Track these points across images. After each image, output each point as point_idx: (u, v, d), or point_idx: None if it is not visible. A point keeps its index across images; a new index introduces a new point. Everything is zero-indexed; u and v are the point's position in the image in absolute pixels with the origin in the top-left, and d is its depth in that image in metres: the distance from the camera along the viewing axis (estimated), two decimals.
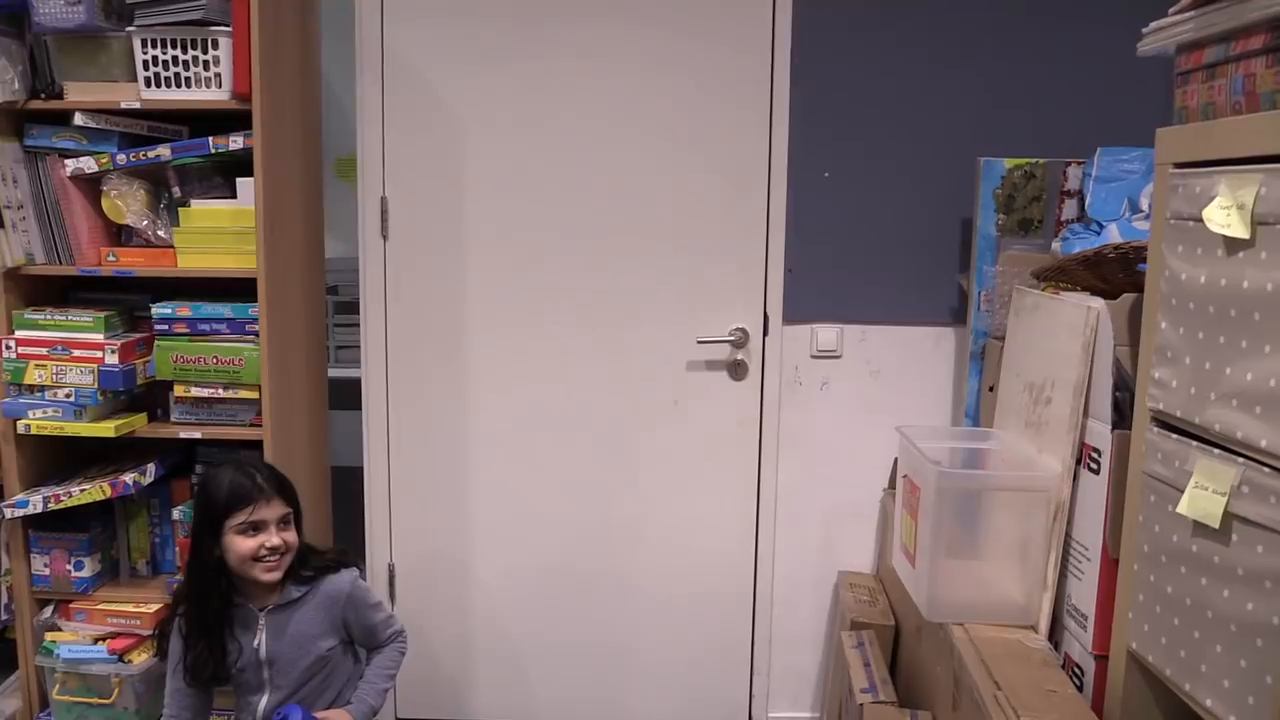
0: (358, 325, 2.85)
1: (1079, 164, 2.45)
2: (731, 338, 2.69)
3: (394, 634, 2.16)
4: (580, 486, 2.79)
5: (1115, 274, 2.01)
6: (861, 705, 2.11)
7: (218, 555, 1.94)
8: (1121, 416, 1.76)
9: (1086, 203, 2.40)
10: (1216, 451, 1.38)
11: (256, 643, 2.00)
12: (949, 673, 1.94)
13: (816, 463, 2.77)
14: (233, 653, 2.00)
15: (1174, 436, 1.51)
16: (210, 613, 1.97)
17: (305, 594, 2.03)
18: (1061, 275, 2.15)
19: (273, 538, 1.94)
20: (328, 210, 2.79)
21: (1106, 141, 2.38)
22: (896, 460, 2.47)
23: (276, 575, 1.97)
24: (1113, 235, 2.26)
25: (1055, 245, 2.41)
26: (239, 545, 1.93)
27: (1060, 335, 1.97)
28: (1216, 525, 1.35)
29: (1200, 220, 1.41)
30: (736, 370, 2.71)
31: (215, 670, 1.99)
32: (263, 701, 2.02)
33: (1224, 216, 1.36)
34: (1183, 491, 1.44)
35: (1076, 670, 1.83)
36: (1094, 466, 1.81)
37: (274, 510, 1.95)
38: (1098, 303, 1.86)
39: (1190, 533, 1.44)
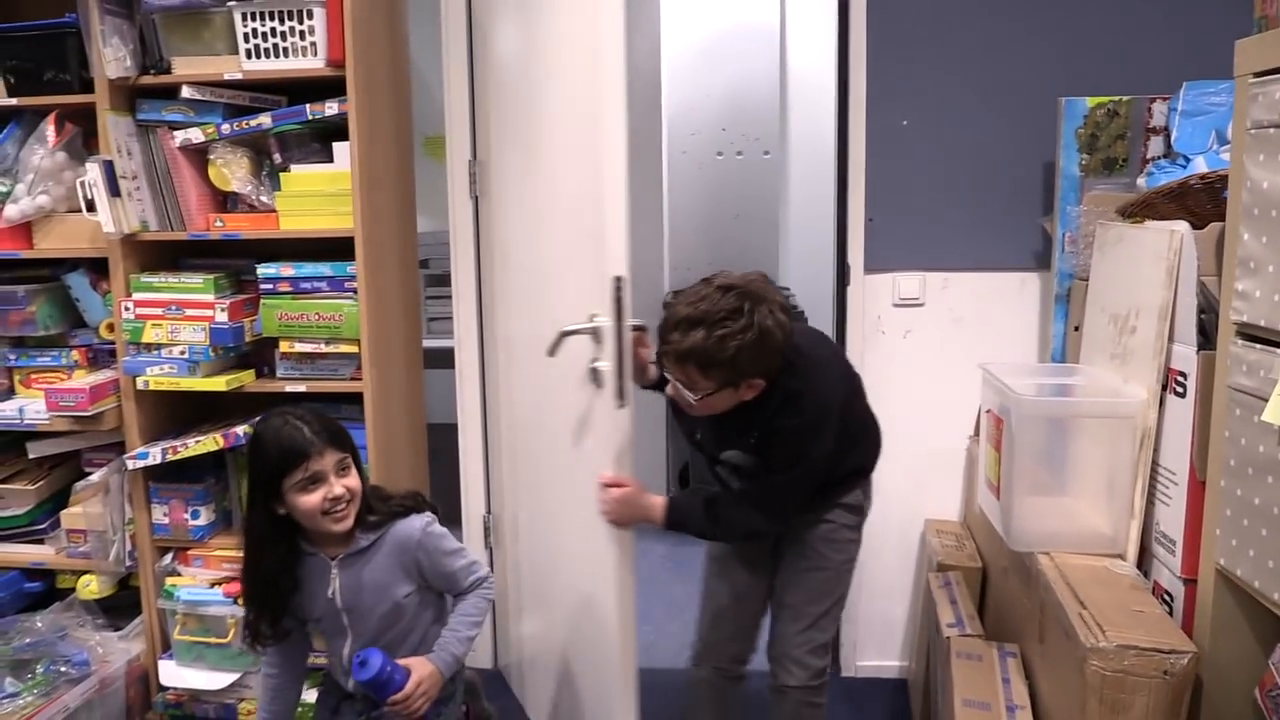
0: (449, 298, 2.95)
1: (1164, 100, 2.42)
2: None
3: (477, 580, 2.05)
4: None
5: (1202, 205, 1.98)
6: (948, 639, 2.13)
7: (282, 513, 1.88)
8: (1207, 338, 1.75)
9: (1172, 138, 2.36)
10: None
11: (331, 591, 1.95)
12: (1035, 603, 1.95)
13: (901, 412, 2.75)
14: (298, 606, 1.98)
15: (1258, 347, 1.50)
16: (266, 571, 1.93)
17: (375, 540, 1.96)
18: (1147, 210, 2.13)
19: (334, 488, 1.86)
20: (419, 188, 2.87)
21: (1191, 76, 2.35)
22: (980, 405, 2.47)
23: (347, 524, 1.90)
24: (1199, 168, 2.23)
25: (1140, 182, 2.38)
26: (303, 502, 1.85)
27: (1144, 263, 1.96)
28: None
29: None
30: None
31: (274, 628, 1.97)
32: (346, 647, 1.99)
33: None
34: (1267, 400, 1.44)
35: (1166, 596, 1.82)
36: (1180, 390, 1.80)
37: (329, 459, 1.86)
38: (1181, 226, 1.85)
39: (1277, 441, 1.44)
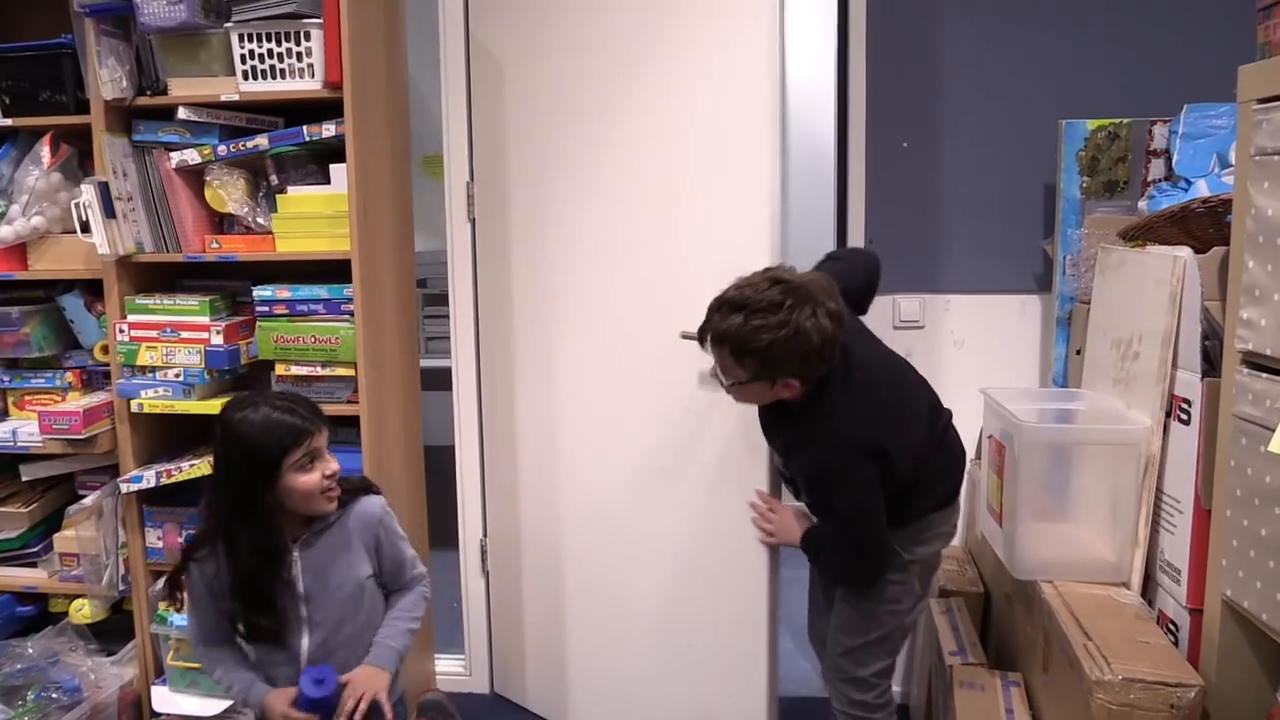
0: (447, 317, 2.93)
1: (1164, 122, 2.41)
2: None
3: (419, 575, 2.05)
4: (666, 469, 2.80)
5: (1204, 229, 1.97)
6: (951, 667, 2.10)
7: (269, 500, 1.81)
8: (1211, 365, 1.74)
9: (1174, 160, 2.35)
10: None
11: (292, 576, 1.88)
12: (1039, 631, 1.93)
13: None
14: (281, 596, 1.88)
15: (1264, 376, 1.48)
16: (253, 563, 1.83)
17: (335, 520, 1.92)
18: (1148, 234, 2.11)
19: (331, 463, 1.87)
20: (416, 206, 2.87)
21: (1191, 99, 2.34)
22: (982, 430, 2.45)
23: (334, 505, 1.90)
24: (1201, 191, 2.22)
25: (1142, 205, 2.37)
26: (302, 482, 1.82)
27: (1147, 288, 1.94)
28: None
29: None
30: None
31: (270, 621, 1.87)
32: (304, 643, 1.91)
33: None
34: (1273, 430, 1.42)
35: (1171, 626, 1.80)
36: (1184, 417, 1.79)
37: (323, 437, 1.86)
38: (1184, 252, 1.83)
39: None
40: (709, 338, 1.88)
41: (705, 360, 2.60)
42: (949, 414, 2.13)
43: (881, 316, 2.72)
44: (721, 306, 1.85)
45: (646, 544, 2.79)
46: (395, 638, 1.97)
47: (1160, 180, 2.42)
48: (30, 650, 2.45)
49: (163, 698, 2.54)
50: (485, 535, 2.96)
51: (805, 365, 1.84)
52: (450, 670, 3.08)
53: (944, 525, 2.09)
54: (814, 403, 1.91)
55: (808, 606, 2.43)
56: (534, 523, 2.89)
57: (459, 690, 3.02)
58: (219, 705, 2.50)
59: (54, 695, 2.37)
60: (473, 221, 2.84)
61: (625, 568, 2.82)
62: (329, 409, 2.42)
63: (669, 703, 2.72)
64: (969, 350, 2.71)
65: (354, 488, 1.98)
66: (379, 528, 1.97)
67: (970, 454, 2.70)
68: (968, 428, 2.64)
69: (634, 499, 2.78)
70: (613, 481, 2.77)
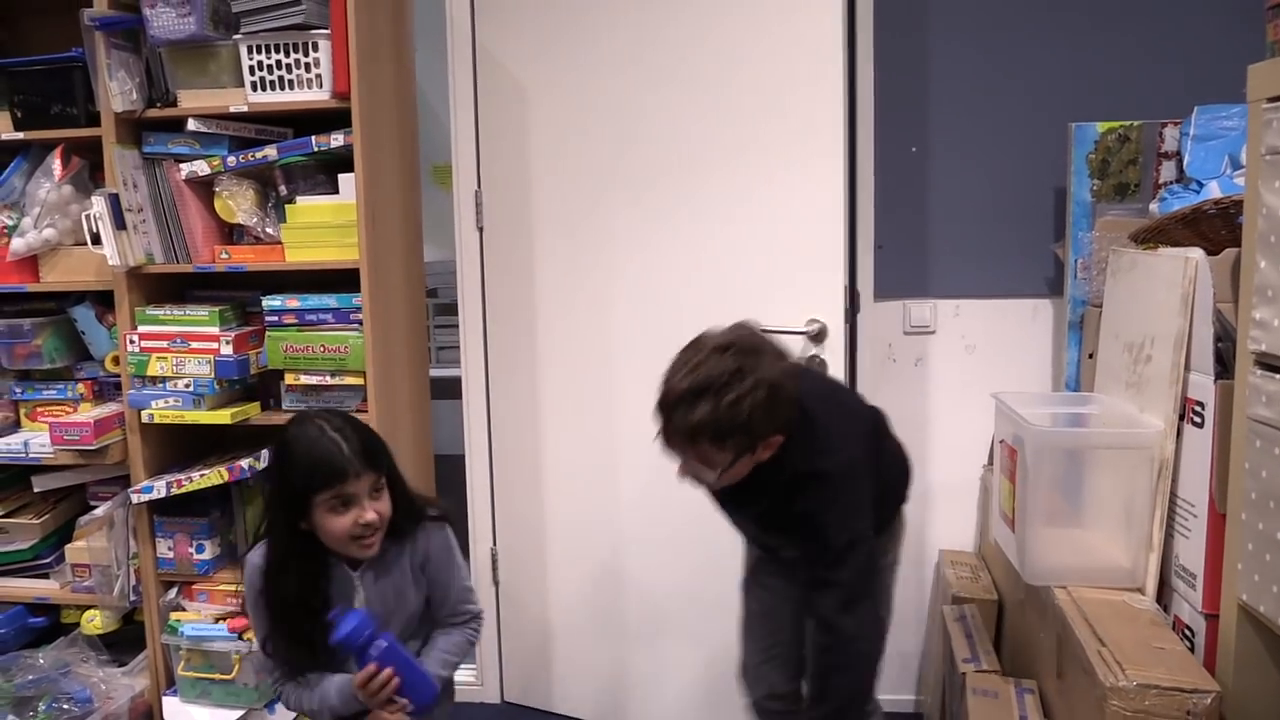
0: (457, 326, 2.93)
1: (1175, 124, 2.39)
2: (807, 330, 2.52)
3: (470, 614, 1.94)
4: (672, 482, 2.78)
5: (1217, 231, 1.95)
6: (964, 675, 2.08)
7: (303, 528, 1.75)
8: (1225, 367, 1.72)
9: (1185, 162, 2.33)
10: None
11: (357, 605, 1.82)
12: (1052, 638, 1.91)
13: (913, 442, 2.71)
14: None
15: (1278, 378, 1.47)
16: (292, 590, 1.77)
17: (398, 549, 1.85)
18: (1160, 236, 2.10)
19: (366, 513, 1.72)
20: (427, 216, 2.87)
21: (1202, 100, 2.32)
22: (994, 436, 2.43)
23: (373, 551, 1.78)
24: (1213, 193, 2.20)
25: (1153, 207, 2.35)
26: (330, 523, 1.72)
27: (1159, 291, 1.92)
28: None
29: None
30: (816, 359, 2.54)
31: (313, 650, 1.80)
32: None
33: None
34: None
35: (1187, 632, 1.78)
36: (1198, 420, 1.77)
37: (365, 482, 1.72)
38: (1195, 253, 1.81)
39: None
40: (680, 438, 1.68)
41: None
42: (886, 419, 2.04)
43: (892, 322, 2.71)
44: (680, 401, 1.64)
45: (661, 545, 2.79)
46: (439, 667, 1.88)
47: (1171, 182, 2.40)
48: (42, 661, 2.46)
49: (173, 708, 2.55)
50: (495, 544, 2.95)
51: (786, 415, 1.69)
52: (461, 680, 3.06)
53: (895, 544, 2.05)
54: (794, 446, 1.75)
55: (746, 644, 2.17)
56: (544, 530, 2.89)
57: (470, 700, 3.02)
58: (230, 716, 2.51)
59: (65, 706, 2.37)
60: (481, 230, 2.84)
61: (636, 567, 2.82)
62: None
63: (690, 695, 2.75)
64: (980, 355, 2.70)
65: (421, 515, 1.88)
66: (433, 561, 1.88)
67: (982, 460, 2.70)
68: (979, 433, 2.64)
69: (645, 501, 2.79)
70: (622, 485, 2.78)
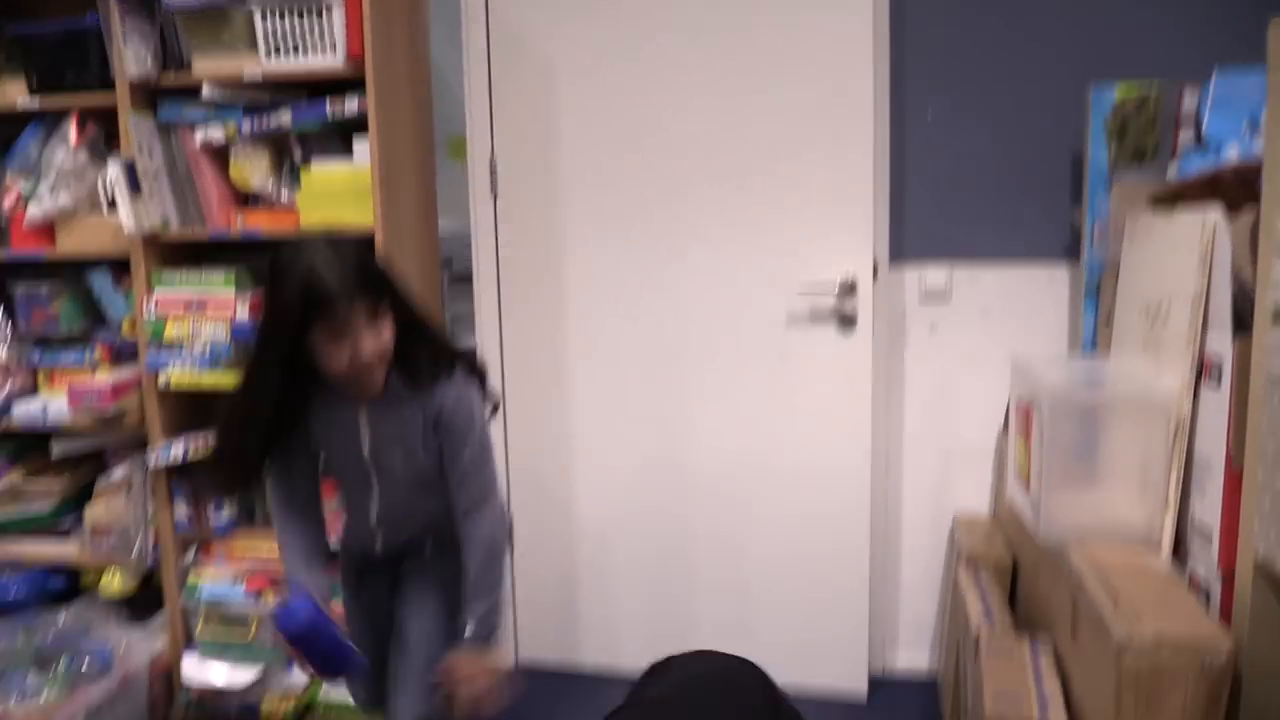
0: (471, 296, 2.94)
1: (1194, 87, 2.37)
2: (838, 285, 2.65)
3: (484, 503, 1.81)
4: (690, 437, 2.81)
5: (1235, 194, 1.94)
6: (978, 635, 2.09)
7: (302, 357, 1.65)
8: (1243, 325, 1.71)
9: (1204, 126, 2.31)
10: None
11: (360, 442, 1.78)
12: (1066, 598, 1.91)
13: (929, 408, 2.75)
14: (313, 442, 1.80)
15: None
16: (261, 413, 1.69)
17: (412, 396, 1.75)
18: (1179, 199, 2.08)
19: (361, 347, 1.63)
20: (443, 188, 2.86)
21: (1222, 62, 2.30)
22: (1010, 402, 2.43)
23: (372, 390, 1.71)
24: (1232, 156, 2.18)
25: (1171, 171, 2.33)
26: (325, 357, 1.63)
27: (1177, 252, 1.91)
28: None
29: None
30: (844, 315, 2.68)
31: (251, 475, 1.78)
32: (373, 509, 1.87)
33: None
34: None
35: (1202, 591, 1.78)
36: (1215, 378, 1.76)
37: (359, 309, 1.61)
38: (1214, 213, 1.80)
39: None
40: None
41: (725, 329, 2.64)
42: None
43: (908, 288, 2.71)
44: None
45: (671, 510, 2.81)
46: (484, 612, 1.80)
47: (1190, 146, 2.38)
48: (62, 621, 2.48)
49: (192, 668, 2.57)
50: (509, 506, 2.96)
51: None
52: None
53: None
54: None
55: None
56: (563, 490, 2.92)
57: None
58: (249, 675, 2.53)
59: (85, 665, 2.39)
60: (495, 196, 2.84)
61: (651, 536, 2.84)
62: None
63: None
64: (996, 321, 2.69)
65: (444, 362, 1.77)
66: (444, 420, 1.76)
67: (997, 427, 2.70)
68: (995, 399, 2.64)
69: (659, 465, 2.81)
70: (641, 443, 2.86)
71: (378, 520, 1.90)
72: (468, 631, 1.80)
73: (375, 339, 1.66)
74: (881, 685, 2.84)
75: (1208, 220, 1.81)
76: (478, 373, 1.84)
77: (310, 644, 1.71)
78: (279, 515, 1.88)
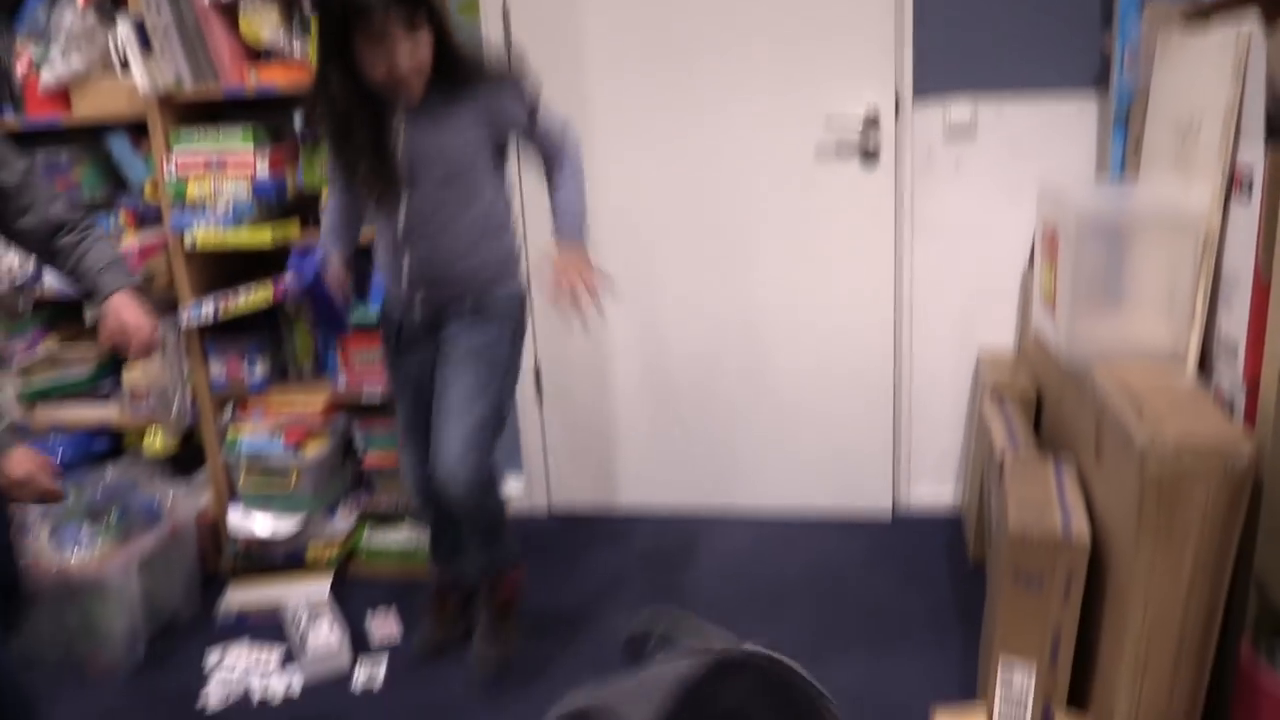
0: None
1: None
2: (861, 119, 2.61)
3: (564, 136, 2.05)
4: (715, 278, 2.82)
5: (1272, 5, 1.88)
6: (1002, 458, 2.12)
7: (348, 60, 1.81)
8: (1276, 133, 1.68)
9: None
10: None
11: (394, 142, 1.92)
12: (1090, 420, 1.92)
13: (954, 246, 2.72)
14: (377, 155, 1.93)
15: None
16: (340, 112, 1.88)
17: (456, 99, 1.91)
18: (1212, 15, 2.02)
19: (399, 56, 1.78)
20: None
21: None
22: (1035, 231, 2.41)
23: (413, 98, 1.87)
24: None
25: None
26: (366, 64, 1.80)
27: (1210, 66, 1.86)
28: None
29: None
30: (867, 150, 2.64)
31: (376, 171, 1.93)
32: (401, 215, 1.98)
33: None
34: None
35: (1227, 403, 1.79)
36: (1246, 190, 1.74)
37: (396, 20, 1.76)
38: (1249, 23, 1.75)
39: None
40: None
41: (748, 168, 2.60)
42: None
43: (932, 122, 2.65)
44: None
45: (696, 352, 2.83)
46: (573, 205, 2.05)
47: None
48: (109, 476, 2.55)
49: (237, 520, 2.65)
50: (537, 360, 2.99)
51: None
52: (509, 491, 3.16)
53: None
54: None
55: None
56: (583, 343, 2.95)
57: (518, 515, 3.09)
58: (291, 525, 2.61)
59: (135, 517, 2.47)
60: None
61: (679, 379, 2.87)
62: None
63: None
64: (1022, 156, 2.63)
65: (481, 75, 1.93)
66: (495, 110, 1.95)
67: (1022, 264, 2.68)
68: (1021, 236, 2.62)
69: (683, 306, 2.81)
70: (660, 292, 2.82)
71: (403, 235, 1.99)
72: (565, 233, 2.04)
73: (412, 50, 1.80)
74: (906, 517, 2.91)
75: (1242, 30, 1.76)
76: (524, 98, 1.99)
77: (311, 298, 2.07)
78: (330, 193, 2.17)
